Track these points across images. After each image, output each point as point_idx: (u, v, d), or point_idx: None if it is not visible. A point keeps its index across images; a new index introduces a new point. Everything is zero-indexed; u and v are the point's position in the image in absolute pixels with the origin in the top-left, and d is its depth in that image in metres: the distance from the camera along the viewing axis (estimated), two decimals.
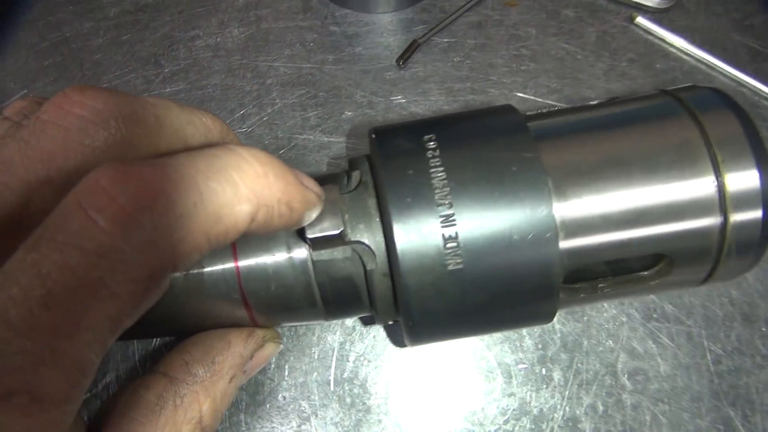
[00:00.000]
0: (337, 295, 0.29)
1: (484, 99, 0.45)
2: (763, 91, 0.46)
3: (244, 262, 0.27)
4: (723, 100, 0.29)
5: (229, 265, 0.27)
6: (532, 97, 0.46)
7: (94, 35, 0.48)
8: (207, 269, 0.27)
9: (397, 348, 0.39)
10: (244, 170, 0.20)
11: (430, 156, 0.27)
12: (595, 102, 0.31)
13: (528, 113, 0.30)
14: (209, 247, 0.20)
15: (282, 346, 0.31)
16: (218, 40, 0.48)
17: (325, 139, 0.44)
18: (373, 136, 0.29)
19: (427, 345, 0.39)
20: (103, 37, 0.48)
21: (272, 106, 0.45)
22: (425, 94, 0.45)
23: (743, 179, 0.27)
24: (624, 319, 0.40)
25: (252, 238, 0.28)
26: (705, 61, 0.47)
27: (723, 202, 0.27)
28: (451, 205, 0.26)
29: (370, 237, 0.28)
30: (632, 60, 0.47)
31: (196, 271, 0.27)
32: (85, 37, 0.48)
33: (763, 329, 0.40)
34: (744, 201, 0.27)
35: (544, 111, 0.32)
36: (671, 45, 0.48)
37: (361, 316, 0.34)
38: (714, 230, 0.27)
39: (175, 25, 0.48)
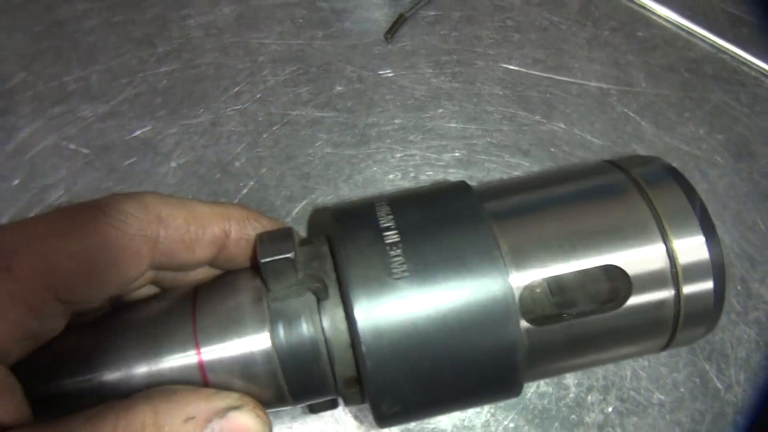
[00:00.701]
0: (294, 348, 0.27)
1: (470, 71, 0.46)
2: (743, 57, 0.47)
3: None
4: (670, 173, 0.29)
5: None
6: (517, 68, 0.47)
7: (87, 17, 0.48)
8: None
9: None
10: (218, 202, 0.29)
11: (378, 210, 0.28)
12: (547, 172, 0.32)
13: (481, 188, 0.31)
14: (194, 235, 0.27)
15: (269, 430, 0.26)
16: (210, 18, 0.48)
17: (317, 114, 0.45)
18: (332, 208, 0.30)
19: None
20: (96, 18, 0.48)
21: (264, 83, 0.46)
22: (413, 67, 0.46)
23: (692, 251, 0.27)
24: None
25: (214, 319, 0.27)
26: (686, 28, 0.48)
27: (675, 274, 0.27)
28: (395, 228, 0.27)
29: (324, 273, 0.28)
30: (615, 28, 0.48)
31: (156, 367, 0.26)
32: (79, 19, 0.48)
33: (738, 288, 0.42)
34: (694, 272, 0.27)
35: (498, 185, 0.32)
36: (653, 12, 0.49)
37: (324, 396, 0.30)
38: (669, 301, 0.28)
39: (167, 4, 0.49)
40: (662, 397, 0.39)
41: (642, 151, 0.44)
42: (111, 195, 0.26)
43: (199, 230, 0.27)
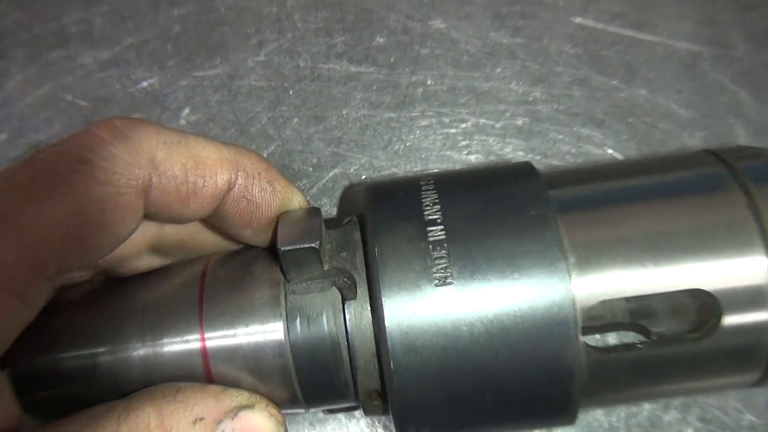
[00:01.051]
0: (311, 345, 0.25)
1: (536, 25, 0.42)
2: None
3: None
4: None
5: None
6: (592, 23, 0.42)
7: None
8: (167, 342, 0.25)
9: None
10: (229, 144, 0.26)
11: (424, 196, 0.26)
12: (632, 160, 0.31)
13: (550, 173, 0.29)
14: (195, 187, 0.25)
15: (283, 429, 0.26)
16: None
17: (353, 69, 0.41)
18: (368, 187, 0.28)
19: None
20: None
21: (293, 31, 0.42)
22: (468, 18, 0.42)
23: None
24: None
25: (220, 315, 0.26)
26: None
27: None
28: (441, 223, 0.25)
29: (353, 267, 0.26)
30: None
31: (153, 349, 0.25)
32: None
33: None
34: None
35: (570, 170, 0.30)
36: None
37: (342, 403, 0.29)
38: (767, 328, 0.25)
39: None
40: (753, 419, 0.36)
41: (738, 126, 0.40)
42: (94, 131, 0.23)
43: (199, 180, 0.25)
